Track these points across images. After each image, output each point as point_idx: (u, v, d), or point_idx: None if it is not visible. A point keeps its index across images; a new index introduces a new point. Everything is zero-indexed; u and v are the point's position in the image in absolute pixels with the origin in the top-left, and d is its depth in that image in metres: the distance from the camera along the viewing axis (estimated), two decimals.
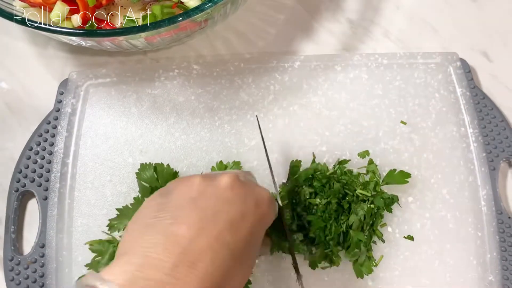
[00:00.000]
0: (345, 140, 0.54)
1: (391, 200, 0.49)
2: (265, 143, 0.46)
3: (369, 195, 0.49)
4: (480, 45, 0.61)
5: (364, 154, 0.53)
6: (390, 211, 0.50)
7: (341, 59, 0.58)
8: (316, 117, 0.55)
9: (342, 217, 0.48)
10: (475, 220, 0.51)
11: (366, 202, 0.49)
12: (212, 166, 0.51)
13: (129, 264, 0.29)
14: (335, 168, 0.51)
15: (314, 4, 0.63)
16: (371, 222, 0.49)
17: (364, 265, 0.48)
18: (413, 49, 0.60)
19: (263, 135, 0.47)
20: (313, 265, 0.48)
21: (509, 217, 0.51)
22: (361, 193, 0.49)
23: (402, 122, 0.55)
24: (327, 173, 0.50)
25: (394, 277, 0.49)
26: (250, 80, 0.56)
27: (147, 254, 0.30)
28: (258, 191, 0.38)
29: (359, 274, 0.48)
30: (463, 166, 0.53)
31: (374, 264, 0.48)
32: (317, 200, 0.48)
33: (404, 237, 0.50)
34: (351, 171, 0.51)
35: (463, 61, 0.57)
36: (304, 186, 0.49)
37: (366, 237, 0.48)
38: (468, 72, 0.57)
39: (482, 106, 0.55)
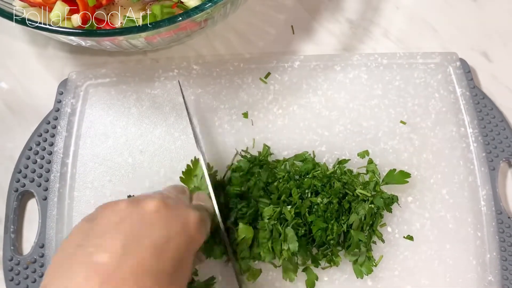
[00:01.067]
0: (344, 140, 0.54)
1: (391, 200, 0.49)
2: (189, 112, 0.48)
3: (369, 195, 0.49)
4: (480, 45, 0.61)
5: (363, 154, 0.53)
6: (390, 211, 0.50)
7: (341, 59, 0.58)
8: (316, 117, 0.55)
9: (343, 217, 0.48)
10: (474, 220, 0.51)
11: (366, 202, 0.49)
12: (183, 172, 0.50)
13: None
14: (335, 168, 0.51)
15: (314, 4, 0.63)
16: (371, 222, 0.49)
17: (364, 265, 0.48)
18: (413, 49, 0.60)
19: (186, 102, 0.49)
20: (316, 263, 0.48)
21: (509, 217, 0.51)
22: (361, 193, 0.49)
23: (401, 122, 0.55)
24: (327, 173, 0.50)
25: (394, 277, 0.49)
26: (250, 80, 0.56)
27: (68, 287, 0.29)
28: (185, 214, 0.37)
29: (359, 274, 0.48)
30: (463, 166, 0.53)
31: (374, 264, 0.48)
32: (318, 199, 0.48)
33: (404, 237, 0.50)
34: (350, 171, 0.51)
35: (462, 61, 0.57)
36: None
37: (366, 237, 0.48)
38: (468, 72, 0.57)
39: (482, 106, 0.55)
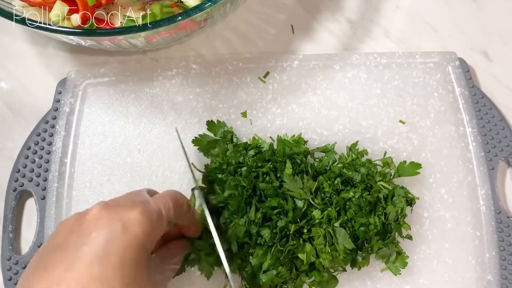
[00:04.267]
0: (343, 139, 0.54)
1: (406, 194, 0.49)
2: (187, 154, 0.48)
3: (390, 188, 0.48)
4: (479, 45, 0.61)
5: (362, 153, 0.53)
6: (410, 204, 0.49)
7: (340, 58, 0.58)
8: (315, 116, 0.55)
9: (378, 210, 0.46)
10: (473, 220, 0.51)
11: (388, 195, 0.47)
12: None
13: None
14: (350, 156, 0.50)
15: (314, 4, 0.63)
16: (405, 214, 0.48)
17: (397, 261, 0.47)
18: (413, 48, 0.60)
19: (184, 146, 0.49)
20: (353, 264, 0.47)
21: (508, 217, 0.51)
22: (383, 186, 0.48)
23: (400, 121, 0.55)
24: (346, 162, 0.49)
25: (393, 276, 0.49)
26: (249, 79, 0.56)
27: None
28: (125, 212, 0.36)
29: (396, 271, 0.47)
30: (462, 166, 0.53)
31: (406, 257, 0.48)
32: (351, 194, 0.46)
33: (403, 236, 0.50)
34: (370, 161, 0.50)
35: (461, 61, 0.57)
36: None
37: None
38: (467, 72, 0.57)
39: (481, 106, 0.55)
